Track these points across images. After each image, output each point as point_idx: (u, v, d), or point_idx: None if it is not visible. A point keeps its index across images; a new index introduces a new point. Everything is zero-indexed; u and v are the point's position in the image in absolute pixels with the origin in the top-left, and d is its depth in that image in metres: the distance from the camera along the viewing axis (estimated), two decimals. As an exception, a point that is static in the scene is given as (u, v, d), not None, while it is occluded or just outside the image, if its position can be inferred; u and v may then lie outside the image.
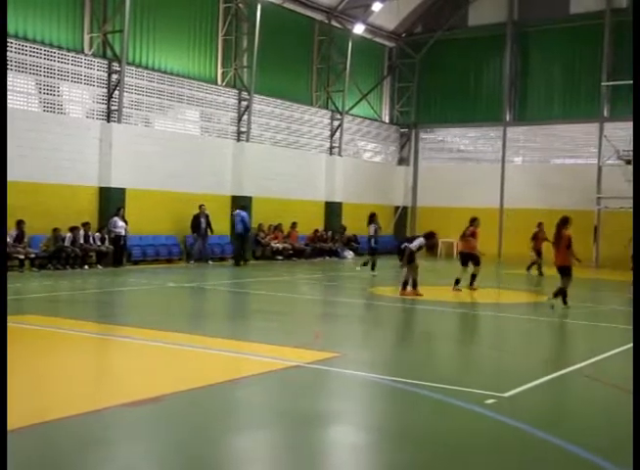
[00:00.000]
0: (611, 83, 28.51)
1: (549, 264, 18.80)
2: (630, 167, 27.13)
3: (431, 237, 16.59)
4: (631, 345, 10.54)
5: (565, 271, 14.14)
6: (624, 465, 5.21)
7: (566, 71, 29.85)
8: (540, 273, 21.91)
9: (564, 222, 14.25)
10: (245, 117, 25.65)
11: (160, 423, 6.11)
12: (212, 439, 5.69)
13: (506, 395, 7.16)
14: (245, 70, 25.87)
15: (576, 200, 28.27)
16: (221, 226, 24.56)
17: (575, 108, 29.46)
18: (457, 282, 17.01)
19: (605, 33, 28.66)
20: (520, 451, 5.67)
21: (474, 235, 17.58)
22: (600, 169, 28.61)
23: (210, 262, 23.13)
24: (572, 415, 6.83)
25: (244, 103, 25.71)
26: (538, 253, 22.18)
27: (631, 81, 27.81)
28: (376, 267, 20.92)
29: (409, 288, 15.81)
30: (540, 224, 22.43)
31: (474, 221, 17.85)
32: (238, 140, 25.61)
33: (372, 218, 21.58)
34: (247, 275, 20.62)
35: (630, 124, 28.13)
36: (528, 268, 22.45)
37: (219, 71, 25.69)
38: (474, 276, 17.23)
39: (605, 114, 28.79)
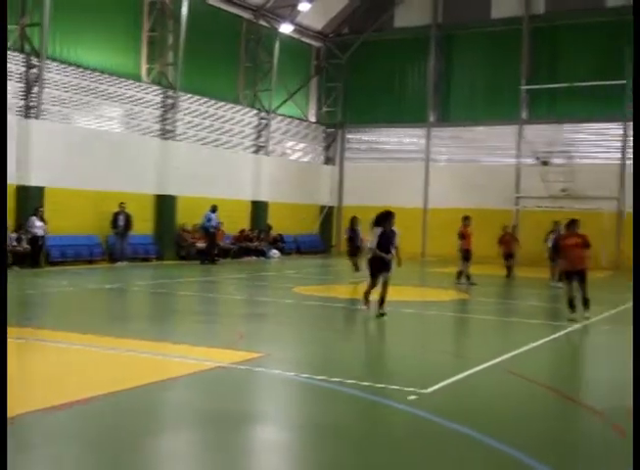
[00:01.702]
0: (529, 87, 29.41)
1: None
2: (547, 168, 28.11)
3: (381, 221, 12.28)
4: (547, 339, 10.93)
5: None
6: (544, 459, 5.38)
7: (487, 74, 30.60)
8: (508, 275, 21.27)
9: (571, 225, 13.13)
10: (170, 114, 25.31)
11: (84, 426, 5.98)
12: (136, 440, 5.61)
13: (427, 391, 7.30)
14: (170, 67, 25.51)
15: (497, 199, 29.08)
16: (144, 226, 24.16)
17: (496, 110, 30.21)
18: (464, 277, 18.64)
19: (523, 38, 29.55)
20: (442, 447, 5.79)
21: (463, 235, 18.87)
22: (519, 170, 29.49)
23: (125, 263, 22.55)
24: (492, 410, 7.01)
25: (169, 101, 25.36)
26: (507, 256, 21.41)
27: (548, 85, 28.88)
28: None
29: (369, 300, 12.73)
30: (506, 227, 22.14)
31: (464, 220, 19.19)
32: (163, 138, 25.24)
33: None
34: (171, 276, 20.35)
35: (547, 127, 29.22)
36: (509, 275, 21.39)
37: (144, 68, 25.24)
38: (460, 273, 18.71)
39: (523, 116, 29.68)
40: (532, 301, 16.92)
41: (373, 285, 12.46)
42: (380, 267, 12.19)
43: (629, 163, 27.86)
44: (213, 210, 24.40)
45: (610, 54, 28.14)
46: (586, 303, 12.69)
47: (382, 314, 12.23)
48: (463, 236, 19.03)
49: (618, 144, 28.16)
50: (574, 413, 7.08)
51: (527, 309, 15.21)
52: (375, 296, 12.47)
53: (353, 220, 20.53)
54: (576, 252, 12.59)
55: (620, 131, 28.11)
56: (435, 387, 7.50)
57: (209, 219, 24.31)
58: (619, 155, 28.10)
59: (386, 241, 12.13)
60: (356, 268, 19.75)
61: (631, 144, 27.98)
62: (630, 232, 27.07)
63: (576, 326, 12.12)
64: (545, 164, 28.14)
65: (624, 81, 27.57)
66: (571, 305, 12.60)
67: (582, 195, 27.61)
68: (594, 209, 27.29)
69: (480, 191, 29.58)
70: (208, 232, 24.32)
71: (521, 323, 13.01)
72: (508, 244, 21.53)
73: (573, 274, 12.61)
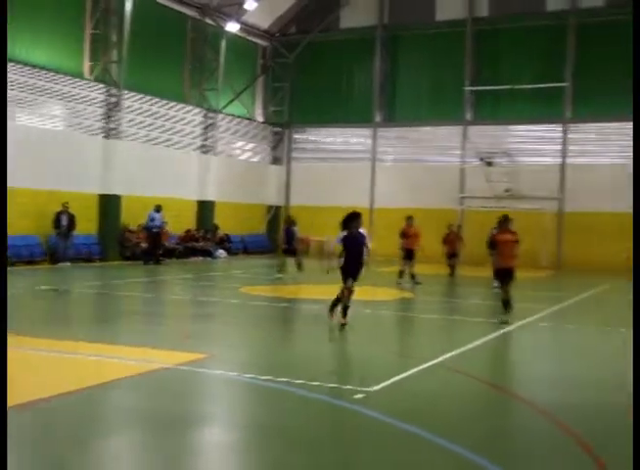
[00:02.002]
0: (472, 88, 29.87)
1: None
2: (491, 169, 28.60)
3: (347, 223, 11.45)
4: (490, 337, 11.11)
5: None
6: (488, 455, 5.46)
7: (432, 76, 30.95)
8: (452, 274, 21.49)
9: (504, 222, 12.94)
10: (114, 113, 24.90)
11: (27, 430, 5.81)
12: (80, 443, 5.50)
13: (373, 389, 7.34)
14: (114, 64, 25.06)
15: (442, 199, 29.45)
16: (87, 226, 23.70)
17: (441, 111, 30.59)
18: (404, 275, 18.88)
19: (467, 41, 29.99)
20: (389, 445, 5.81)
21: (404, 234, 19.16)
22: (463, 170, 29.93)
23: (68, 263, 22.10)
24: (438, 408, 7.08)
25: (113, 99, 24.93)
26: (451, 255, 21.62)
27: (491, 87, 29.39)
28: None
29: (335, 311, 11.56)
30: (450, 226, 22.23)
31: (407, 220, 19.51)
32: (107, 137, 24.80)
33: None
34: (115, 276, 20.01)
35: (491, 128, 29.72)
36: (452, 274, 21.63)
37: (86, 65, 24.75)
38: (402, 272, 18.99)
39: (468, 117, 30.13)
40: (475, 299, 17.20)
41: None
42: (353, 272, 11.25)
43: (569, 162, 28.59)
44: (157, 209, 24.06)
45: (550, 57, 28.81)
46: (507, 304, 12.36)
47: (343, 325, 11.22)
48: (405, 235, 19.18)
49: (559, 145, 28.84)
50: (518, 411, 7.18)
51: (471, 308, 15.45)
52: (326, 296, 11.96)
53: (288, 220, 20.46)
54: (509, 248, 12.53)
55: (560, 133, 28.80)
56: (382, 385, 7.54)
57: (153, 219, 23.94)
58: (560, 156, 28.78)
59: (352, 244, 11.28)
60: (298, 267, 19.63)
61: (570, 145, 28.72)
62: (570, 232, 27.88)
63: (518, 323, 12.35)
64: (489, 164, 28.63)
65: (565, 84, 28.30)
66: (506, 306, 12.50)
67: (525, 195, 28.18)
68: (536, 209, 27.90)
69: (426, 191, 29.92)
70: (152, 232, 24.00)
71: (464, 322, 13.20)
72: (452, 243, 21.78)
73: (505, 272, 12.55)
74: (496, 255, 12.69)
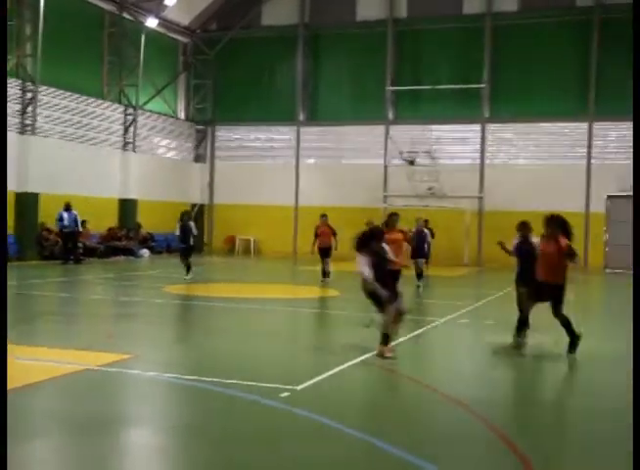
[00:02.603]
0: (394, 88, 30.31)
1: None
2: (412, 168, 29.10)
3: (370, 241, 9.44)
4: (413, 334, 11.32)
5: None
6: (416, 452, 5.54)
7: (354, 75, 31.23)
8: None
9: (390, 219, 12.20)
10: (29, 108, 24.12)
11: None
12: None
13: (299, 387, 7.38)
14: (29, 58, 24.29)
15: (366, 198, 29.77)
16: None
17: (364, 110, 30.90)
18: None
19: (388, 41, 30.40)
20: (316, 442, 5.85)
21: (316, 233, 19.14)
22: (386, 169, 30.35)
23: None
24: (363, 405, 7.17)
25: (29, 94, 24.15)
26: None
27: (411, 87, 29.92)
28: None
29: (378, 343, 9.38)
30: (369, 222, 21.84)
31: (321, 218, 19.51)
32: (22, 133, 24.01)
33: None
34: (32, 276, 19.40)
35: (412, 127, 30.23)
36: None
37: (-1, 59, 23.90)
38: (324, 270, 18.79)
39: (390, 117, 30.56)
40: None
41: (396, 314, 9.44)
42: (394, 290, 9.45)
43: (488, 162, 29.40)
44: (67, 208, 23.23)
45: (469, 58, 29.53)
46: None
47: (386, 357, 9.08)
48: (317, 234, 19.12)
49: (477, 145, 29.60)
50: (442, 407, 7.24)
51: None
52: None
53: (183, 215, 18.83)
54: (397, 248, 11.60)
55: (479, 132, 29.57)
56: (308, 383, 7.58)
57: (61, 219, 23.18)
58: (479, 155, 29.55)
59: (381, 262, 9.36)
60: (188, 270, 18.39)
61: (488, 145, 29.55)
62: (489, 230, 28.64)
63: (440, 320, 12.63)
64: (411, 163, 29.10)
65: (482, 85, 29.06)
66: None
67: (446, 194, 28.79)
68: (457, 207, 28.57)
69: (350, 189, 30.21)
70: (62, 232, 23.26)
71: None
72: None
73: (393, 273, 10.93)
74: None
